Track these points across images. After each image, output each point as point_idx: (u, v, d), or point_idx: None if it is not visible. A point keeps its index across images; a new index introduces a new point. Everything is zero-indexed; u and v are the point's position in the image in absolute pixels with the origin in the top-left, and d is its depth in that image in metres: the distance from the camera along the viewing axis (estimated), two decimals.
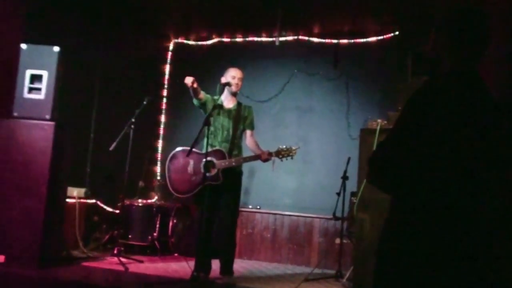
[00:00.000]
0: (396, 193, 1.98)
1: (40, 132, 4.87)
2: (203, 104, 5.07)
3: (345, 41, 7.43)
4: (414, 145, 1.88)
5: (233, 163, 4.85)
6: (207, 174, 4.77)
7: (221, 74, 5.20)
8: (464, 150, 1.85)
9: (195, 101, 5.12)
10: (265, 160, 4.95)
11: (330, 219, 6.37)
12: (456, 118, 1.87)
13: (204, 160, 4.75)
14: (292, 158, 4.98)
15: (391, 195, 2.02)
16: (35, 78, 4.96)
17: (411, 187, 1.90)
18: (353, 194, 5.81)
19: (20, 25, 5.51)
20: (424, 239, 1.83)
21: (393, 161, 1.93)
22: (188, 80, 4.92)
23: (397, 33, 7.03)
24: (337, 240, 5.96)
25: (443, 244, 1.81)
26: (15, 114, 4.93)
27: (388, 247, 1.92)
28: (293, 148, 4.93)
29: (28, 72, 4.95)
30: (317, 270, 6.04)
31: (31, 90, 4.96)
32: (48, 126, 4.88)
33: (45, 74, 4.94)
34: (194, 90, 4.95)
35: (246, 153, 5.08)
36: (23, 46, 4.99)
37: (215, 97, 5.08)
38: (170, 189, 5.11)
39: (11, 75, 5.02)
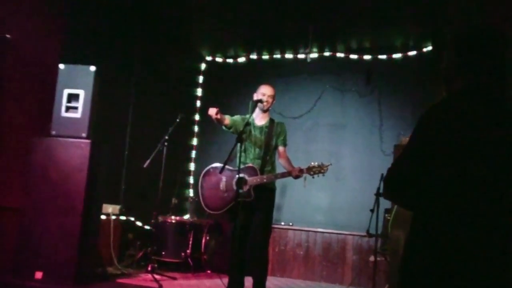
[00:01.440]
0: (414, 210, 1.98)
1: (77, 150, 4.96)
2: (230, 128, 5.07)
3: (377, 56, 7.41)
4: (429, 161, 1.88)
5: (265, 180, 4.84)
6: (240, 191, 4.77)
7: (253, 91, 5.22)
8: (480, 164, 1.84)
9: (223, 127, 5.14)
10: (296, 177, 4.92)
11: (364, 236, 6.31)
12: (469, 134, 1.86)
13: (236, 176, 4.77)
14: (323, 175, 4.92)
15: (409, 211, 2.02)
16: (72, 97, 5.08)
17: (428, 203, 1.90)
18: (387, 211, 5.75)
19: (58, 45, 5.67)
20: (446, 254, 1.82)
21: (409, 178, 1.94)
22: (212, 111, 4.95)
23: (430, 48, 6.97)
24: (371, 258, 5.88)
25: (465, 259, 1.79)
26: (53, 132, 5.05)
27: (412, 264, 1.92)
28: (325, 164, 4.86)
29: (66, 92, 5.08)
30: None
31: (68, 109, 5.08)
32: (84, 144, 4.98)
33: (81, 93, 5.06)
34: (218, 120, 5.00)
35: (279, 170, 5.06)
36: (61, 66, 5.12)
37: (246, 116, 5.08)
38: (203, 205, 5.13)
39: (50, 94, 5.15)
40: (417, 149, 1.93)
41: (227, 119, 5.06)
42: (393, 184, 1.99)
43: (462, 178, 1.84)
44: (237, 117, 5.15)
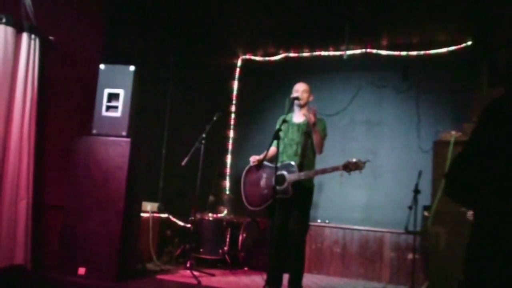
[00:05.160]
0: (477, 208, 1.94)
1: (117, 149, 5.05)
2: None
3: (414, 52, 7.33)
4: (492, 157, 1.84)
5: (302, 177, 4.84)
6: (278, 187, 4.79)
7: (289, 88, 5.22)
8: None
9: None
10: (313, 119, 4.86)
11: (402, 233, 6.26)
12: None
13: (276, 173, 4.79)
14: (360, 172, 4.86)
15: (470, 209, 1.98)
16: (112, 97, 5.18)
17: (492, 200, 1.86)
18: (425, 208, 5.69)
19: (99, 46, 5.78)
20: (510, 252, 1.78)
21: (472, 175, 1.90)
22: (252, 160, 5.18)
23: (469, 43, 6.85)
24: (410, 255, 5.84)
25: None
26: (94, 131, 5.16)
27: (478, 266, 1.88)
28: (362, 161, 4.81)
29: (106, 91, 5.18)
30: (389, 286, 5.93)
31: (108, 108, 5.18)
32: (124, 142, 5.06)
33: (121, 92, 5.15)
34: (263, 160, 5.07)
35: (318, 167, 5.06)
36: (102, 66, 5.23)
37: (284, 116, 5.06)
38: (244, 201, 5.20)
39: (91, 94, 5.27)
40: (480, 144, 1.89)
41: (272, 149, 5.08)
42: (452, 178, 1.95)
43: None
44: (279, 120, 5.13)
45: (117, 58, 5.46)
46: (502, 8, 5.40)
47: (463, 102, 6.40)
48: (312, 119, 4.80)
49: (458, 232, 4.35)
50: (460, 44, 7.03)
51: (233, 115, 8.53)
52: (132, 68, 5.17)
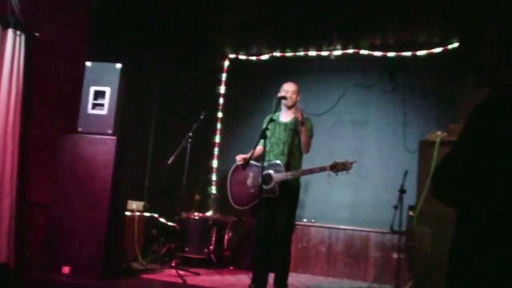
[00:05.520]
0: (463, 209, 1.95)
1: (103, 147, 5.02)
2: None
3: (401, 53, 7.37)
4: (480, 159, 1.85)
5: (289, 176, 4.85)
6: (265, 187, 4.79)
7: (276, 88, 5.21)
8: None
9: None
10: (301, 119, 4.88)
11: (387, 233, 6.30)
12: None
13: (263, 173, 4.79)
14: (347, 173, 4.88)
15: (457, 210, 1.98)
16: (99, 94, 5.14)
17: (478, 201, 1.87)
18: (410, 207, 5.72)
19: (86, 43, 5.74)
20: (498, 255, 1.79)
21: (459, 176, 1.90)
22: (239, 159, 5.14)
23: (456, 45, 6.90)
24: (395, 255, 5.87)
25: None
26: (80, 129, 5.12)
27: (462, 266, 1.89)
28: (349, 162, 4.83)
29: (92, 89, 5.14)
30: (374, 285, 5.96)
31: (94, 106, 5.14)
32: (110, 140, 5.03)
33: (108, 90, 5.11)
34: (250, 159, 5.05)
35: (305, 167, 5.07)
36: (88, 63, 5.19)
37: (271, 115, 5.06)
38: (231, 201, 5.19)
39: (77, 92, 5.22)
40: (468, 145, 1.90)
41: (258, 148, 5.05)
42: (440, 179, 1.96)
43: None
44: (266, 119, 5.14)
45: (103, 55, 5.43)
46: (489, 10, 5.45)
47: (449, 102, 6.45)
48: (300, 118, 4.81)
49: (443, 232, 4.38)
50: (446, 45, 7.08)
51: (220, 114, 8.51)
52: (118, 65, 5.14)
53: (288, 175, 4.84)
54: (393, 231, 5.71)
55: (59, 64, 5.53)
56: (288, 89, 5.07)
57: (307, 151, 5.01)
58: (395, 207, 5.60)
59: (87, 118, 5.13)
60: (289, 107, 5.09)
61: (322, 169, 4.84)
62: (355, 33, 7.33)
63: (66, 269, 4.86)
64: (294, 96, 5.07)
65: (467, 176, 1.88)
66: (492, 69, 2.09)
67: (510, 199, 1.81)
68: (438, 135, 4.85)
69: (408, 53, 7.31)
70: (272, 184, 4.83)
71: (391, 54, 7.42)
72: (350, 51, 7.67)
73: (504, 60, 2.02)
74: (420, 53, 7.24)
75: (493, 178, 1.84)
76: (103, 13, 6.05)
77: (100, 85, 5.14)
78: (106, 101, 5.11)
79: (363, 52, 7.61)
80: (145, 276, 5.51)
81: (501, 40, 2.05)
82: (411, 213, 5.58)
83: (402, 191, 5.69)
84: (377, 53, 7.52)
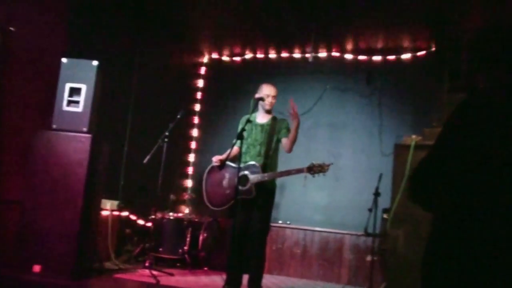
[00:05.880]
0: (439, 212, 1.96)
1: (78, 144, 4.96)
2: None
3: (378, 57, 7.44)
4: (456, 163, 1.87)
5: (266, 178, 4.86)
6: (241, 188, 4.79)
7: (254, 89, 5.22)
8: (507, 167, 1.84)
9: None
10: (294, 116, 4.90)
11: (361, 235, 6.34)
12: (498, 133, 1.86)
13: (239, 174, 4.77)
14: (324, 175, 4.92)
15: (433, 213, 1.99)
16: (74, 91, 5.07)
17: (455, 204, 1.88)
18: (385, 210, 5.77)
19: (61, 40, 5.66)
20: (472, 257, 1.81)
21: (436, 179, 1.92)
22: (215, 160, 5.14)
23: (432, 49, 6.98)
24: (368, 257, 5.91)
25: (493, 260, 1.79)
26: (54, 126, 5.04)
27: (436, 268, 1.90)
28: (326, 164, 4.87)
29: (68, 86, 5.07)
30: (348, 287, 5.99)
31: (70, 103, 5.07)
32: (85, 138, 4.97)
33: (83, 87, 5.05)
34: (226, 160, 5.04)
35: (282, 168, 5.08)
36: (64, 60, 5.12)
37: (248, 116, 5.06)
38: (206, 201, 5.16)
39: (52, 88, 5.15)
40: (445, 149, 1.91)
41: (235, 149, 5.04)
42: (417, 182, 1.97)
43: (493, 178, 1.83)
44: (242, 120, 5.14)
45: (80, 52, 5.36)
46: (464, 16, 5.52)
47: (425, 107, 6.52)
48: (294, 114, 4.85)
49: (416, 234, 4.43)
50: (423, 50, 7.17)
51: (197, 114, 8.48)
52: (95, 63, 5.08)
53: (265, 176, 4.85)
54: (367, 234, 5.75)
55: (35, 59, 5.44)
56: (268, 93, 5.07)
57: (291, 150, 5.01)
58: (370, 210, 5.64)
59: (62, 115, 5.05)
60: (268, 112, 5.10)
61: (299, 171, 4.86)
62: (333, 36, 7.38)
63: (37, 268, 4.78)
64: (273, 101, 5.09)
65: (443, 179, 1.90)
66: (467, 74, 2.11)
67: (485, 202, 1.83)
68: (413, 139, 4.91)
69: (386, 57, 7.40)
70: (249, 185, 4.83)
71: (368, 58, 7.50)
72: (328, 53, 7.72)
73: (479, 65, 2.05)
74: (397, 57, 7.32)
75: (468, 182, 1.86)
76: (81, 9, 5.97)
77: (76, 82, 5.07)
78: (81, 98, 5.05)
79: (341, 55, 7.67)
80: (117, 276, 5.45)
81: (476, 46, 2.08)
82: (385, 216, 5.62)
83: (376, 194, 5.72)
84: (355, 57, 7.58)
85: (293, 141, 4.96)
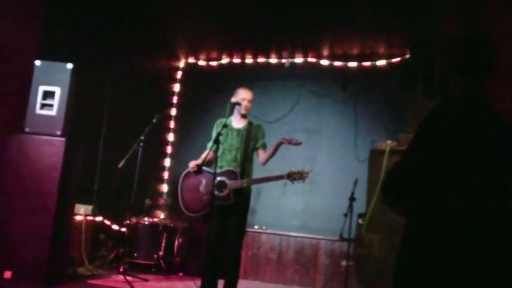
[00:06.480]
0: (411, 216, 1.98)
1: (51, 148, 4.89)
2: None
3: (354, 63, 7.50)
4: (428, 167, 1.89)
5: (245, 184, 4.84)
6: (219, 194, 4.76)
7: (231, 94, 5.20)
8: (478, 171, 1.87)
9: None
10: (288, 142, 4.93)
11: (337, 240, 6.35)
12: (469, 139, 1.89)
13: (217, 179, 4.75)
14: (303, 182, 4.94)
15: (406, 217, 2.02)
16: (48, 95, 5.00)
17: (427, 209, 1.91)
18: (360, 215, 5.80)
19: (35, 42, 5.59)
20: (443, 260, 1.83)
21: (408, 184, 1.94)
22: (191, 165, 5.06)
23: (407, 56, 7.07)
24: (344, 262, 5.93)
25: (465, 265, 1.81)
26: (27, 129, 4.96)
27: (408, 270, 1.92)
28: (305, 171, 4.88)
29: (41, 88, 5.00)
30: None
31: (43, 106, 5.00)
32: (58, 142, 4.91)
33: (57, 90, 4.98)
34: (202, 165, 5.02)
35: (256, 173, 5.07)
36: (37, 62, 5.04)
37: (224, 119, 5.05)
38: (182, 207, 5.11)
39: (25, 91, 5.07)
40: (417, 154, 1.93)
41: (210, 154, 5.02)
42: (390, 187, 1.98)
43: (463, 182, 1.86)
44: (217, 123, 5.13)
45: (54, 55, 5.29)
46: (438, 22, 5.60)
47: (400, 113, 6.58)
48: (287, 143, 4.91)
49: (391, 239, 4.47)
50: (398, 57, 7.25)
51: (173, 119, 8.44)
52: (70, 65, 5.02)
53: (244, 182, 4.83)
54: (342, 239, 5.77)
55: (8, 61, 5.36)
56: (244, 97, 5.04)
57: (265, 164, 5.04)
58: (345, 215, 5.65)
59: (35, 118, 4.98)
60: (244, 116, 5.09)
61: (278, 177, 4.86)
62: (309, 42, 7.42)
63: (8, 274, 4.69)
64: (249, 105, 5.08)
65: (415, 184, 1.92)
66: (441, 80, 2.14)
67: (454, 206, 1.86)
68: (388, 144, 4.95)
69: (361, 63, 7.47)
70: (227, 191, 4.80)
71: (344, 63, 7.56)
72: (305, 59, 7.76)
73: (452, 72, 2.08)
74: (373, 64, 7.40)
75: (438, 186, 1.88)
76: (56, 11, 5.90)
77: (50, 85, 5.00)
78: (55, 101, 4.98)
79: (317, 61, 7.71)
80: (91, 281, 5.39)
81: (450, 51, 2.11)
82: (360, 221, 5.65)
83: (352, 199, 5.74)
84: (331, 62, 7.63)
85: (271, 158, 4.99)
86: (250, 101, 5.08)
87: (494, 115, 1.98)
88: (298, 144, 4.93)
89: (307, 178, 4.86)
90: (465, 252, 1.82)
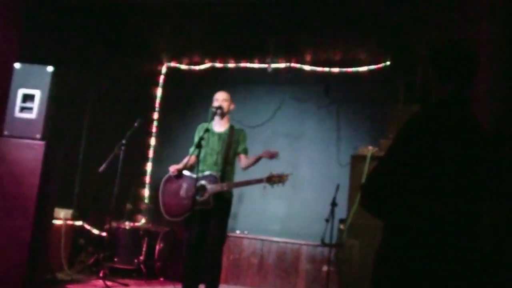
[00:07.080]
0: (389, 219, 2.00)
1: (30, 152, 4.82)
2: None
3: (336, 69, 7.54)
4: (406, 172, 1.91)
5: (225, 188, 4.83)
6: (199, 198, 4.74)
7: (213, 98, 5.20)
8: (454, 176, 1.89)
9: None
10: (270, 156, 4.95)
11: (318, 245, 6.36)
12: (447, 144, 1.91)
13: (197, 184, 4.73)
14: (283, 185, 4.94)
15: (384, 221, 2.03)
16: (27, 98, 4.92)
17: (405, 213, 1.92)
18: (341, 221, 5.82)
19: (15, 45, 5.52)
20: (420, 263, 1.85)
21: (386, 188, 1.95)
22: (172, 170, 5.03)
23: (388, 63, 7.12)
24: (325, 267, 5.95)
25: (440, 268, 1.83)
26: (6, 133, 4.89)
27: (385, 273, 1.93)
28: (285, 174, 4.90)
29: (21, 92, 4.92)
30: None
31: (22, 109, 4.92)
32: (38, 145, 4.84)
33: (37, 93, 4.91)
34: (182, 169, 5.00)
35: (237, 178, 5.07)
36: (17, 65, 4.97)
37: (206, 124, 5.04)
38: (162, 212, 5.08)
39: (4, 94, 5.00)
40: (395, 159, 1.95)
41: (192, 158, 5.00)
42: (368, 191, 2.00)
43: (440, 187, 1.88)
44: (199, 128, 5.12)
45: (34, 57, 5.23)
46: (419, 29, 5.66)
47: (381, 118, 6.62)
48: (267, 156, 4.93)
49: (371, 244, 4.48)
50: (379, 63, 7.30)
51: (155, 123, 8.40)
52: (50, 68, 4.95)
53: (224, 186, 4.82)
54: (324, 244, 5.78)
55: None
56: (218, 97, 5.07)
57: (246, 169, 5.04)
58: (327, 220, 5.67)
59: (14, 121, 4.90)
60: (223, 116, 5.08)
61: (258, 181, 4.86)
62: (292, 47, 7.45)
63: None
64: (226, 104, 5.07)
65: (393, 188, 1.93)
66: (421, 86, 2.17)
67: (432, 210, 1.87)
68: (370, 150, 4.98)
69: (343, 69, 7.51)
70: (207, 195, 4.79)
71: (326, 69, 7.59)
72: (288, 64, 7.78)
73: (433, 77, 2.10)
74: (355, 69, 7.44)
75: (417, 190, 1.90)
76: (36, 13, 5.84)
77: (30, 88, 4.92)
78: (35, 104, 4.90)
79: (300, 66, 7.74)
80: (70, 286, 5.34)
81: (430, 58, 2.13)
82: (341, 226, 5.67)
83: (333, 204, 5.77)
84: (313, 68, 7.66)
85: (251, 166, 5.00)
86: (226, 100, 5.08)
87: (474, 121, 2.00)
88: (276, 157, 4.94)
89: (287, 181, 4.88)
90: (442, 256, 1.84)
